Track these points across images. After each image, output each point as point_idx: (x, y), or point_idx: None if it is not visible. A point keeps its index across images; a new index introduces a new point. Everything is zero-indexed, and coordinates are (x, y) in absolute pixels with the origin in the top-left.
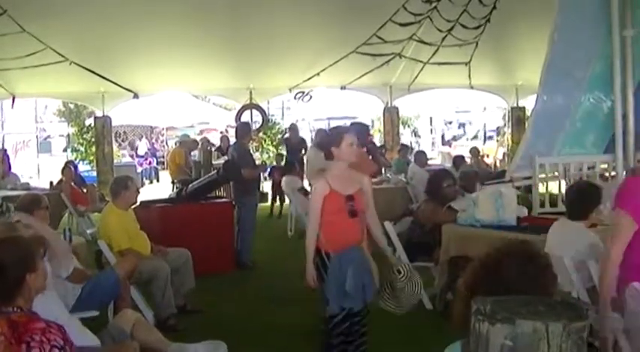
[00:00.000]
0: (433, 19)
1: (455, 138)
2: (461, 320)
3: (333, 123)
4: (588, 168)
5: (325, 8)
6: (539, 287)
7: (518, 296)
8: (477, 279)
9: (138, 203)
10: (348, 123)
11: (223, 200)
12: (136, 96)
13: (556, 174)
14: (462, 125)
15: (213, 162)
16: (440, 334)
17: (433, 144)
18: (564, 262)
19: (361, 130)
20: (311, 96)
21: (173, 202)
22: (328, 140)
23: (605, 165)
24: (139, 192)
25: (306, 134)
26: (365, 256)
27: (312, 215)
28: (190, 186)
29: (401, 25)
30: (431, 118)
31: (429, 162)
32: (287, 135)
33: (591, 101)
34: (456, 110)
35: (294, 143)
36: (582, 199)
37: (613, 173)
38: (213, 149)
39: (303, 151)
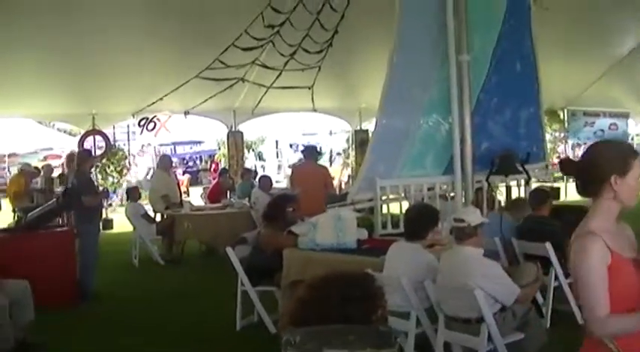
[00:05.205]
0: (276, 43)
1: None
2: None
3: (179, 149)
4: (428, 190)
5: (162, 33)
6: (366, 311)
7: (332, 326)
8: (301, 307)
9: None
10: (194, 148)
11: (63, 229)
12: None
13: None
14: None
15: (55, 190)
16: None
17: (279, 167)
18: (402, 283)
19: (313, 151)
20: (155, 124)
21: (11, 232)
22: (606, 164)
23: (445, 186)
24: None
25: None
26: None
27: (597, 295)
28: (29, 214)
29: (243, 49)
30: (277, 142)
31: (276, 185)
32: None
33: (430, 124)
34: (303, 133)
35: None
36: (419, 220)
37: (452, 193)
38: (55, 176)
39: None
